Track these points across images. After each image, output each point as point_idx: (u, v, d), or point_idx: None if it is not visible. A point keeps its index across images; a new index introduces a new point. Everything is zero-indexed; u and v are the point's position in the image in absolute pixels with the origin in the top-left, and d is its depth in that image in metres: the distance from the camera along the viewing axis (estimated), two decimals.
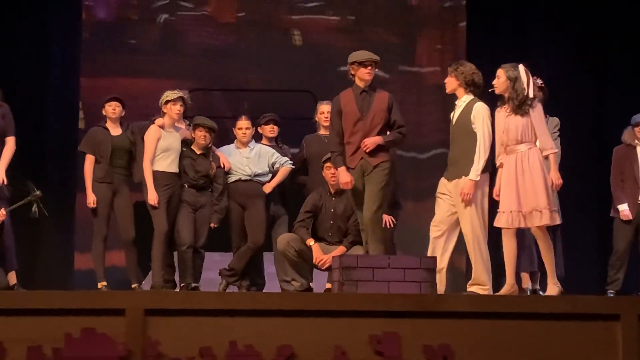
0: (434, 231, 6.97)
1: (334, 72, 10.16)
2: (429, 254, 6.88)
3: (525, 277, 7.76)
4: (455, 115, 7.01)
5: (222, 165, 8.07)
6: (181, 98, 7.95)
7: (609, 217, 8.20)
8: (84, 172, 8.07)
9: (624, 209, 7.94)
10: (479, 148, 6.80)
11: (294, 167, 8.18)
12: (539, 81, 7.43)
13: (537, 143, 6.76)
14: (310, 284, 7.71)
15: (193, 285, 7.79)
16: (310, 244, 7.55)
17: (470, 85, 6.94)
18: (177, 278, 7.99)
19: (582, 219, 10.04)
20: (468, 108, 6.91)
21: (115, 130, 8.05)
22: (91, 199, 7.94)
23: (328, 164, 7.65)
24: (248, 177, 8.07)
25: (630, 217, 7.94)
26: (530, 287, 7.76)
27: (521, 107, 6.70)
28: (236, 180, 8.06)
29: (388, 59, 9.62)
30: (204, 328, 5.42)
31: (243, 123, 8.20)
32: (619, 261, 7.99)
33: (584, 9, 10.39)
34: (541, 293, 7.59)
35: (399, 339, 5.48)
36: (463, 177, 6.81)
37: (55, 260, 9.97)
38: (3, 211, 7.21)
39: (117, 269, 8.89)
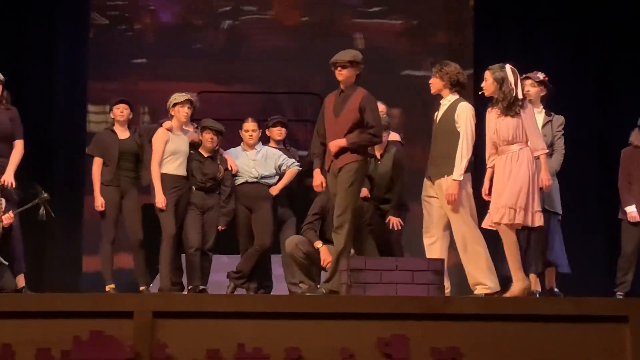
0: (427, 238, 6.98)
1: (396, 76, 10.20)
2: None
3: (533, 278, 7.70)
4: (439, 114, 7.02)
5: (230, 168, 8.08)
6: (189, 101, 7.96)
7: (618, 218, 8.17)
8: (92, 175, 8.09)
9: (631, 210, 7.91)
10: (461, 147, 6.79)
11: (301, 169, 8.18)
12: (541, 75, 7.42)
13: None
14: (318, 286, 7.70)
15: (201, 287, 7.81)
16: (318, 246, 7.55)
17: (455, 85, 6.96)
18: (184, 280, 8.00)
19: (591, 220, 10.03)
20: (452, 107, 6.91)
21: (123, 134, 8.07)
22: (99, 202, 7.95)
23: None
24: (255, 180, 8.08)
25: (638, 219, 7.91)
26: (539, 289, 7.70)
27: (510, 108, 6.67)
28: (243, 183, 8.07)
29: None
30: (212, 330, 5.43)
31: (249, 125, 8.21)
32: (627, 263, 7.95)
33: (590, 9, 10.38)
34: (556, 290, 7.57)
35: (407, 341, 5.47)
36: (445, 176, 6.81)
37: (63, 263, 9.98)
38: (11, 214, 7.22)
39: (125, 272, 8.90)
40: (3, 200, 7.33)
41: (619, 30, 10.34)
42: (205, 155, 8.03)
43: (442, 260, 6.48)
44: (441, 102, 7.03)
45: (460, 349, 5.50)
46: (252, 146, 8.19)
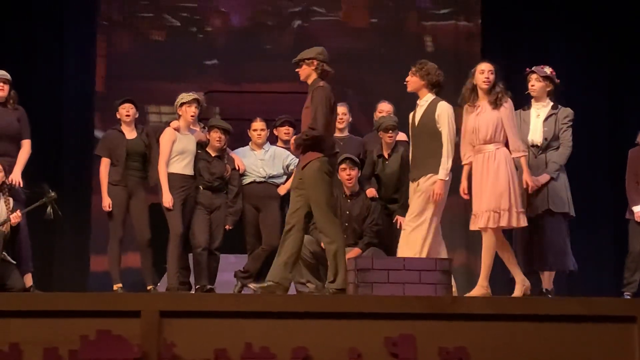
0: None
1: (466, 77, 10.13)
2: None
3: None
4: (417, 115, 6.99)
5: (237, 167, 8.08)
6: (196, 100, 7.97)
7: (625, 218, 8.15)
8: (99, 175, 8.10)
9: (639, 210, 7.90)
10: (446, 147, 6.79)
11: None
12: (548, 70, 7.30)
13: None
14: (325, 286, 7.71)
15: (208, 287, 7.81)
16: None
17: (435, 86, 6.95)
18: (192, 280, 8.00)
19: (600, 220, 10.01)
20: (431, 108, 6.89)
21: (130, 134, 8.07)
22: (107, 202, 7.96)
23: (343, 166, 7.65)
24: (262, 179, 8.08)
25: None
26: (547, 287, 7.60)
27: (497, 103, 6.72)
28: (251, 182, 8.08)
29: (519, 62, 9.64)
30: (219, 330, 5.42)
31: (258, 124, 8.21)
32: (634, 263, 7.93)
33: (601, 8, 10.36)
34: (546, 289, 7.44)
35: (414, 341, 5.47)
36: (429, 175, 6.79)
37: (71, 262, 10.00)
38: (18, 213, 7.24)
39: (133, 271, 8.91)
40: (11, 200, 7.35)
41: (632, 29, 10.32)
42: (213, 154, 8.03)
43: (450, 259, 6.47)
44: (418, 102, 7.00)
45: (467, 348, 5.49)
46: (260, 145, 8.19)
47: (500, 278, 8.59)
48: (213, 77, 10.92)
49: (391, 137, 7.92)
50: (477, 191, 6.75)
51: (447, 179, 6.77)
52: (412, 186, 6.98)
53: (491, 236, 6.70)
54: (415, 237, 6.79)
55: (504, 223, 6.64)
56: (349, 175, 7.66)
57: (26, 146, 7.63)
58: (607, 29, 10.44)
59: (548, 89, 7.31)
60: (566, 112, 7.29)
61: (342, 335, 5.46)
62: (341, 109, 8.01)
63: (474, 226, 6.81)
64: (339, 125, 8.04)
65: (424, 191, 6.79)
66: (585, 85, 10.19)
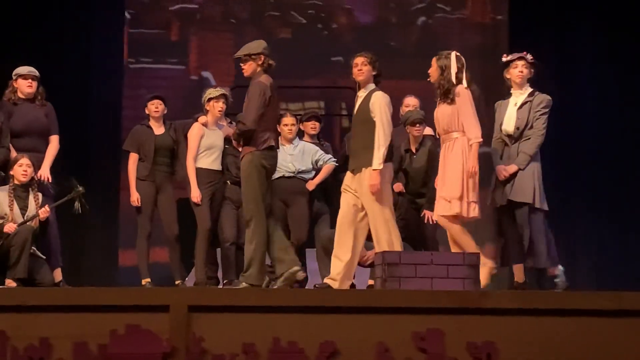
0: (339, 224, 6.93)
1: None
2: (335, 248, 6.89)
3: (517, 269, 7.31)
4: (356, 105, 6.98)
5: None
6: (224, 95, 7.98)
7: None
8: (127, 170, 8.14)
9: None
10: (378, 136, 6.75)
11: (337, 164, 8.17)
12: (529, 57, 7.11)
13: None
14: (353, 280, 7.69)
15: (236, 281, 7.82)
16: None
17: (378, 76, 6.95)
18: (220, 274, 8.03)
19: (630, 214, 9.94)
20: (368, 97, 6.87)
21: (158, 129, 8.10)
22: (135, 197, 8.00)
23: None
24: (291, 174, 8.08)
25: None
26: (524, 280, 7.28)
27: (447, 95, 6.72)
28: (280, 177, 8.07)
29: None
30: (247, 324, 5.43)
31: (289, 120, 8.20)
32: None
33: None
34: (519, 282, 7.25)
35: (442, 335, 5.45)
36: (364, 169, 6.77)
37: (99, 257, 10.06)
38: (47, 208, 7.28)
39: (161, 266, 8.94)
40: (40, 195, 7.39)
41: None
42: (240, 149, 8.03)
43: (477, 254, 6.43)
44: (359, 93, 6.97)
45: (496, 343, 5.46)
46: (290, 141, 8.19)
47: (528, 273, 8.53)
48: (338, 73, 10.95)
49: (418, 130, 7.90)
50: (439, 181, 6.83)
51: (381, 167, 6.71)
52: (348, 175, 6.95)
53: (448, 224, 6.73)
54: (376, 233, 6.76)
55: (455, 211, 6.65)
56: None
57: (54, 142, 7.67)
58: (636, 21, 10.34)
59: (529, 77, 7.12)
60: (540, 99, 7.01)
61: (370, 329, 5.45)
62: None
63: (435, 215, 6.87)
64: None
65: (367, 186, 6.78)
66: (614, 79, 10.11)
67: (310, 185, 8.10)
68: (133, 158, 8.09)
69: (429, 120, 7.67)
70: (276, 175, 8.07)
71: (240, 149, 7.99)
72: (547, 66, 7.44)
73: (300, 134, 8.38)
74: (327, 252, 7.59)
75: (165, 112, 8.20)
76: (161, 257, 9.01)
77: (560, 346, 5.55)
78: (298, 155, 8.13)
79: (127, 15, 10.70)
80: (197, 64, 10.10)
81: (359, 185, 6.81)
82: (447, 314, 5.51)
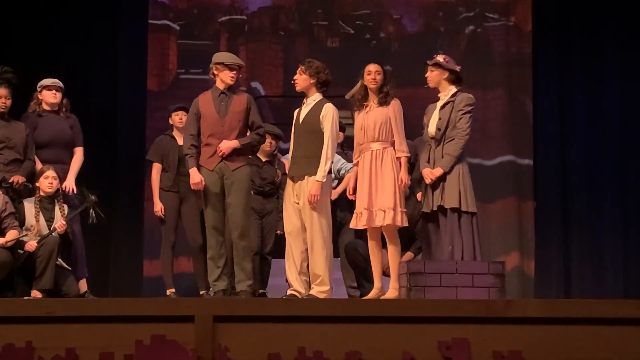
0: (288, 236, 6.96)
1: None
2: (286, 258, 6.92)
3: None
4: (302, 113, 6.97)
5: (288, 172, 8.08)
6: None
7: None
8: (151, 180, 8.17)
9: None
10: (326, 149, 6.79)
11: None
12: (441, 57, 7.07)
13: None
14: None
15: (260, 291, 7.83)
16: None
17: (323, 85, 6.95)
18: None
19: None
20: (317, 107, 6.88)
21: (182, 139, 8.12)
22: (158, 208, 8.02)
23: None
24: None
25: None
26: None
27: (385, 98, 6.80)
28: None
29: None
30: (272, 334, 5.43)
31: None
32: None
33: None
34: None
35: (468, 344, 5.42)
36: (306, 177, 6.79)
37: (124, 267, 10.09)
38: (62, 221, 7.30)
39: (186, 276, 8.97)
40: (65, 206, 7.43)
41: None
42: (264, 159, 8.05)
43: (502, 262, 6.41)
44: (305, 100, 6.98)
45: (522, 352, 5.43)
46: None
47: (554, 279, 8.50)
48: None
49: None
50: (361, 189, 6.79)
51: (325, 180, 6.76)
52: (288, 182, 6.96)
53: (388, 233, 6.77)
54: (315, 248, 6.77)
55: (388, 221, 6.68)
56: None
57: (79, 153, 7.71)
58: None
59: (444, 77, 6.98)
60: (461, 98, 6.85)
61: (395, 339, 5.44)
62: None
63: (354, 224, 6.86)
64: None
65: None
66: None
67: (333, 195, 8.09)
68: (156, 168, 8.12)
69: None
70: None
71: (262, 159, 8.07)
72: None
73: None
74: (352, 261, 7.59)
75: None
76: (186, 267, 9.04)
77: (587, 355, 5.51)
78: None
79: (176, 26, 10.74)
80: (246, 75, 10.12)
81: (301, 194, 6.85)
82: (473, 323, 5.48)
